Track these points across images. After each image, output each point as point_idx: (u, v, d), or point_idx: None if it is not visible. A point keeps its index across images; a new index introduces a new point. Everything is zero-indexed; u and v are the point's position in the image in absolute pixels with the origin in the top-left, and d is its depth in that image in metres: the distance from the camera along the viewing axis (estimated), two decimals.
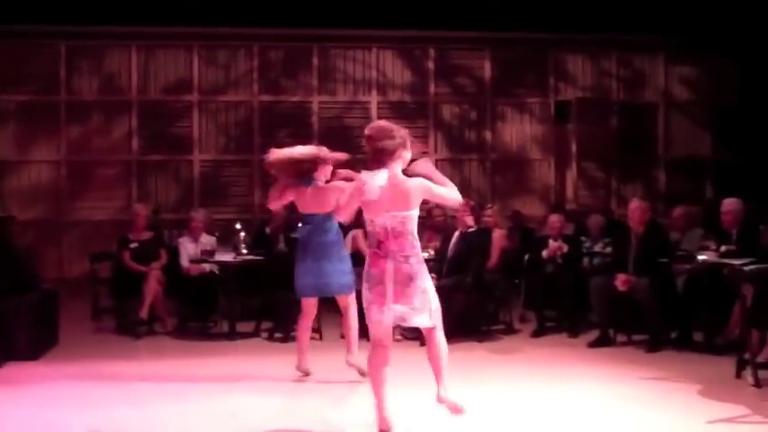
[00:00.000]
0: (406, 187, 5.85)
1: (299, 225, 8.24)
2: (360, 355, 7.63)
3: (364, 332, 6.66)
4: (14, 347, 8.99)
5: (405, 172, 5.97)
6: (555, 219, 11.24)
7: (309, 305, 8.18)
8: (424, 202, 6.12)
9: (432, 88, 17.15)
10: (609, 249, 10.93)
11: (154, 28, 16.00)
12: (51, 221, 16.04)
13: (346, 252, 8.17)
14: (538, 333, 10.42)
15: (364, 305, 5.99)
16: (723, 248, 9.11)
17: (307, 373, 8.12)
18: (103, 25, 15.68)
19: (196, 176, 16.55)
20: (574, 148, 17.11)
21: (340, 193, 7.40)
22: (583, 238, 11.83)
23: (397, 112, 16.96)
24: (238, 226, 11.23)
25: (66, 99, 16.27)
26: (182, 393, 7.63)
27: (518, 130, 17.38)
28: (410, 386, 6.86)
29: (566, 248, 10.79)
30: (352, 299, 8.01)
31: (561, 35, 16.82)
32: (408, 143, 5.98)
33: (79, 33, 16.02)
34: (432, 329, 6.04)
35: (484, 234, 10.60)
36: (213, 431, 6.53)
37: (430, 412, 6.42)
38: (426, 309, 5.92)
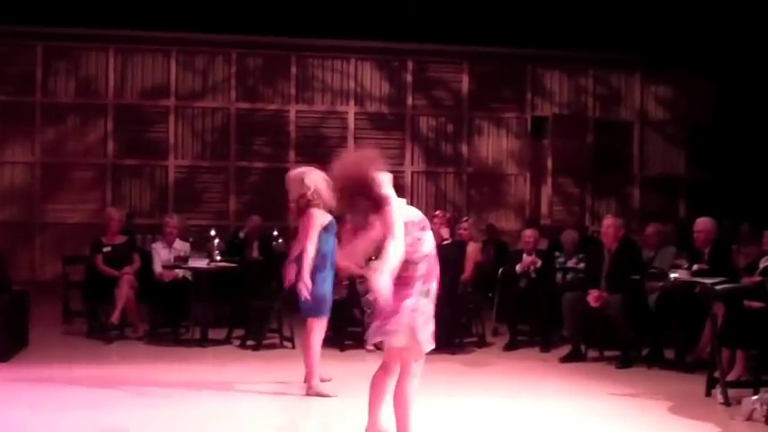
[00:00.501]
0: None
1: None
2: (318, 383, 7.69)
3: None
4: None
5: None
6: (529, 233, 11.27)
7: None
8: None
9: (409, 100, 17.19)
10: (582, 265, 10.98)
11: (132, 32, 15.96)
12: (24, 223, 15.94)
13: (323, 274, 7.73)
14: (510, 347, 10.43)
15: None
16: (695, 267, 9.19)
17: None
18: (81, 27, 15.62)
19: (171, 182, 16.50)
20: (549, 163, 17.20)
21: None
22: (556, 254, 11.88)
23: (375, 123, 17.00)
24: (213, 232, 11.21)
25: (41, 100, 16.19)
26: (151, 399, 7.59)
27: (494, 145, 17.44)
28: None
29: (539, 263, 10.83)
30: (311, 324, 7.76)
31: (539, 51, 16.91)
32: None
33: (56, 35, 15.95)
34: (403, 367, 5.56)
35: (458, 247, 10.61)
36: None
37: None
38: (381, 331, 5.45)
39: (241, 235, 13.02)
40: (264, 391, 7.91)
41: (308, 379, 7.72)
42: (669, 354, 9.56)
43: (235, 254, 11.91)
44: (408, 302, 5.40)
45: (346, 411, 6.97)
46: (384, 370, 5.59)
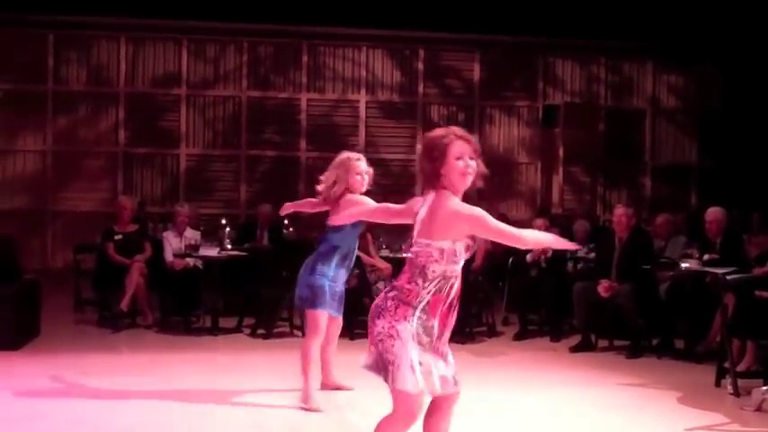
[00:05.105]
0: (444, 212, 4.33)
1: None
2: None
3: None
4: None
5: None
6: (540, 223, 11.24)
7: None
8: None
9: (420, 89, 17.17)
10: (593, 255, 10.97)
11: (143, 20, 15.97)
12: (36, 211, 15.99)
13: (324, 263, 7.04)
14: (520, 336, 10.44)
15: None
16: (706, 257, 9.20)
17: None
18: (93, 16, 15.64)
19: (182, 170, 16.53)
20: (561, 152, 17.16)
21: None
22: None
23: (386, 111, 16.99)
24: (224, 221, 11.23)
25: (53, 89, 16.22)
26: (162, 387, 7.61)
27: (506, 133, 17.41)
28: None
29: (550, 253, 10.81)
30: (312, 316, 7.09)
31: (551, 40, 16.86)
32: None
33: (68, 23, 15.98)
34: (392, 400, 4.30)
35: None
36: (190, 426, 6.51)
37: None
38: (380, 362, 4.31)
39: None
40: (275, 380, 7.93)
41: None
42: (679, 344, 9.56)
43: (246, 242, 11.94)
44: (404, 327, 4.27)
45: (358, 400, 6.99)
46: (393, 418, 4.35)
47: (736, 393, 7.55)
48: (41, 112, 16.16)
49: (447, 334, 4.44)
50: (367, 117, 16.95)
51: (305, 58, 16.88)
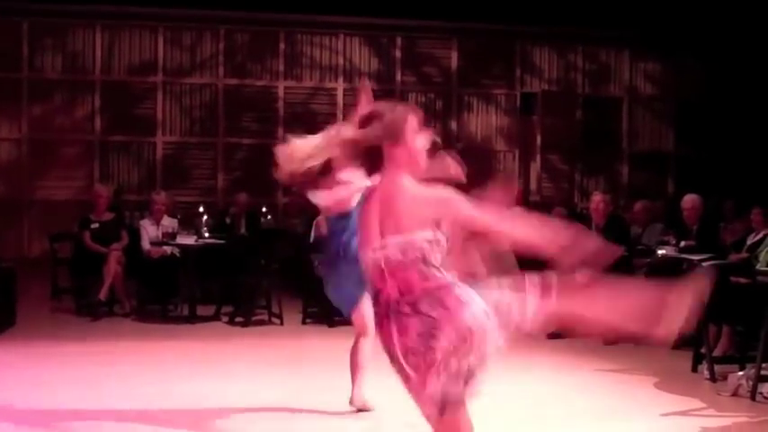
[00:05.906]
0: (406, 198, 3.68)
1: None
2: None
3: None
4: None
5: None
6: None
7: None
8: None
9: (398, 77, 17.12)
10: None
11: (119, 7, 15.82)
12: (12, 200, 15.85)
13: None
14: None
15: None
16: (682, 243, 9.25)
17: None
18: (68, 3, 15.52)
19: (159, 158, 16.42)
20: (538, 140, 17.17)
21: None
22: None
23: None
24: (201, 209, 11.20)
25: (28, 77, 16.07)
26: (139, 376, 7.60)
27: (483, 121, 17.41)
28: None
29: None
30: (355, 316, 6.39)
31: (528, 27, 16.85)
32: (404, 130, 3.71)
33: (43, 11, 15.82)
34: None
35: None
36: (169, 414, 6.49)
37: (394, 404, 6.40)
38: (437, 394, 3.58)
39: (228, 221, 12.85)
40: (254, 367, 7.93)
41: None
42: None
43: (223, 230, 11.91)
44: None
45: (336, 386, 6.98)
46: None
47: (713, 378, 7.61)
48: (16, 101, 16.00)
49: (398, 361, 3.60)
50: (344, 105, 16.87)
51: (282, 46, 16.80)
